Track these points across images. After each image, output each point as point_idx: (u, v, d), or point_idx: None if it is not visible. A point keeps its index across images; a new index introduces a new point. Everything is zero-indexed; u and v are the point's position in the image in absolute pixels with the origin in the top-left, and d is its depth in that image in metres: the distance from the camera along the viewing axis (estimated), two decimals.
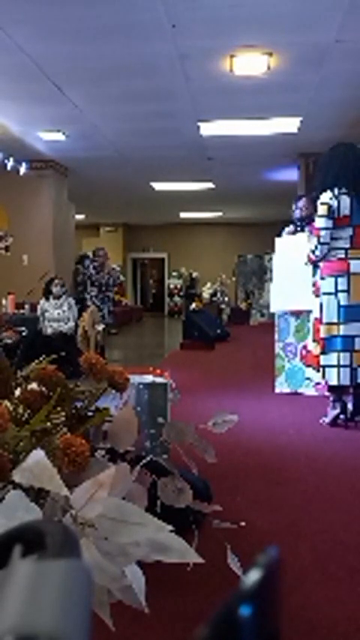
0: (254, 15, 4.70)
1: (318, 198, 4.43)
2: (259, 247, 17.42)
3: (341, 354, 4.28)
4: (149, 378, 2.97)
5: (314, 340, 4.66)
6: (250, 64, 5.67)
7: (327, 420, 4.45)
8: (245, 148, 9.02)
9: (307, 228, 5.52)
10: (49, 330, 7.53)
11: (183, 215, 17.48)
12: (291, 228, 5.93)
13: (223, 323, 13.65)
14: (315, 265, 4.70)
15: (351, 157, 4.38)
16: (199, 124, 7.71)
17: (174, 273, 20.57)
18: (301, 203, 5.88)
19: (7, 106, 6.95)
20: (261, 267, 18.56)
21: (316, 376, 4.63)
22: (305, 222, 5.63)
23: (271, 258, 7.35)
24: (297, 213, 5.88)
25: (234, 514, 2.45)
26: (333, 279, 4.33)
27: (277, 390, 5.83)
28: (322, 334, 4.40)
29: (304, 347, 5.67)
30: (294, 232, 5.83)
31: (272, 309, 6.03)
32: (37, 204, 9.99)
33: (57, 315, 7.61)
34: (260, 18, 4.76)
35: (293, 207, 6.00)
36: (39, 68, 5.74)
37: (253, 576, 0.37)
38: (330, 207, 4.29)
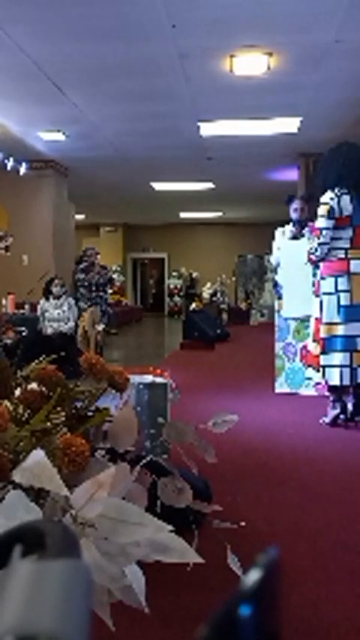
0: (254, 15, 4.70)
1: (316, 198, 4.42)
2: (259, 247, 17.41)
3: (341, 354, 4.28)
4: (149, 378, 2.97)
5: (314, 340, 4.65)
6: (250, 64, 5.67)
7: (327, 420, 4.45)
8: (245, 147, 9.02)
9: (307, 229, 5.52)
10: (49, 330, 7.53)
11: (183, 215, 17.47)
12: (289, 230, 5.87)
13: (223, 323, 13.65)
14: (315, 265, 4.70)
15: (353, 157, 4.37)
16: (199, 124, 7.71)
17: (174, 273, 20.55)
18: (295, 205, 5.83)
19: (7, 106, 6.95)
20: (261, 267, 18.57)
21: (316, 376, 4.63)
22: (305, 223, 5.62)
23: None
24: (295, 216, 5.84)
25: (234, 514, 2.45)
26: (333, 279, 4.32)
27: (277, 390, 5.83)
28: (323, 334, 4.39)
29: (304, 347, 5.66)
30: (295, 237, 5.77)
31: (285, 315, 5.94)
32: (37, 204, 9.99)
33: (57, 315, 7.61)
34: (260, 18, 4.76)
35: (288, 208, 5.94)
36: (39, 68, 5.74)
37: (253, 576, 0.37)
38: (330, 207, 4.28)
